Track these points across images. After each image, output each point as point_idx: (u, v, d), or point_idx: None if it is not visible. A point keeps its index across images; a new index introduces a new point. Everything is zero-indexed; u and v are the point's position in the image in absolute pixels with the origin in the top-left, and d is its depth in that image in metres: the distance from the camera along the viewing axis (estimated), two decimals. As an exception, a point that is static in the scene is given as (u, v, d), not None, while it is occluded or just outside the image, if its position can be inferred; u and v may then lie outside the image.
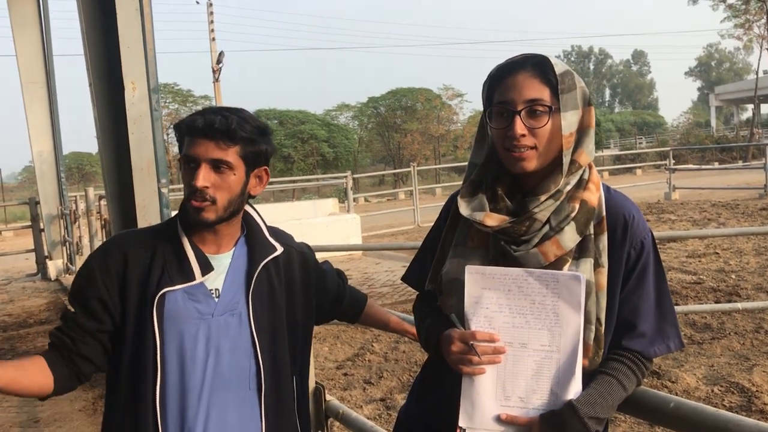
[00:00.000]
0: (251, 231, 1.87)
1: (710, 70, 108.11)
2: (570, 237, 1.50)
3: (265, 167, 1.83)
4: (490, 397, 1.49)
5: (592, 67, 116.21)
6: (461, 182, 1.67)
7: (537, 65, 1.53)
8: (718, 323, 6.48)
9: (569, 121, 1.51)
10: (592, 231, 1.53)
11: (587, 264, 1.51)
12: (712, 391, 4.80)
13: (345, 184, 16.32)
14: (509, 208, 1.56)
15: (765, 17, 28.91)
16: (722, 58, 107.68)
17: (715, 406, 4.67)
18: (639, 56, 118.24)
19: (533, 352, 1.48)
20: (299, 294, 1.93)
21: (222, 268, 1.79)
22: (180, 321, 1.71)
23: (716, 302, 7.24)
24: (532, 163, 1.52)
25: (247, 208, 1.88)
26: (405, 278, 1.88)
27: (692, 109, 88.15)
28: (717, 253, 9.92)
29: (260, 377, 1.78)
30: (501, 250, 1.54)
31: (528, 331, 1.49)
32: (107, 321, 1.71)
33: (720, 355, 5.63)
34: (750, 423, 1.31)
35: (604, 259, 1.52)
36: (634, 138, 56.87)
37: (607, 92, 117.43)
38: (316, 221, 12.99)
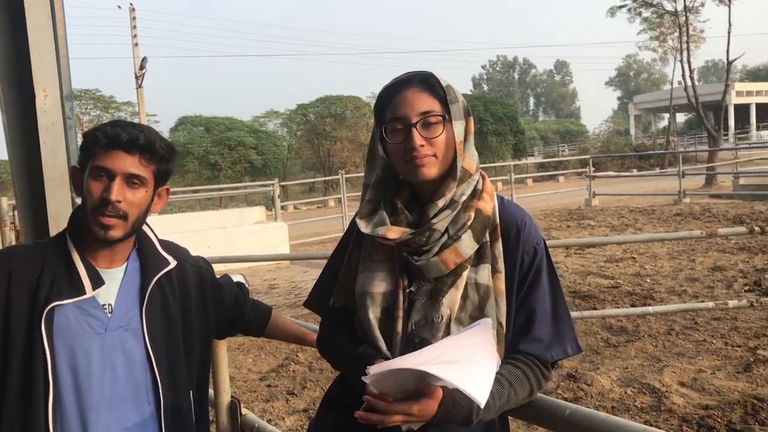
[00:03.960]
0: (143, 245, 1.86)
1: (629, 81, 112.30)
2: (468, 244, 1.56)
3: (167, 187, 1.86)
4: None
5: (516, 76, 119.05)
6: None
7: (424, 81, 1.60)
8: (633, 326, 6.73)
9: (458, 129, 1.59)
10: (488, 238, 1.59)
11: (485, 270, 1.57)
12: (626, 392, 4.98)
13: (272, 191, 16.19)
14: (409, 219, 1.60)
15: (678, 30, 30.16)
16: (640, 69, 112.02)
17: (627, 408, 4.86)
18: (561, 66, 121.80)
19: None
20: (195, 307, 1.92)
21: (114, 282, 1.77)
22: (71, 336, 1.68)
23: (632, 305, 7.51)
24: (433, 169, 1.57)
25: None
26: (308, 303, 1.84)
27: (612, 118, 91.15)
28: (634, 258, 10.30)
29: (158, 392, 1.77)
30: (405, 261, 1.58)
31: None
32: None
33: (634, 357, 5.84)
34: (639, 428, 1.37)
35: (501, 265, 1.58)
36: (557, 146, 58.46)
37: (532, 101, 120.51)
38: (243, 230, 12.87)
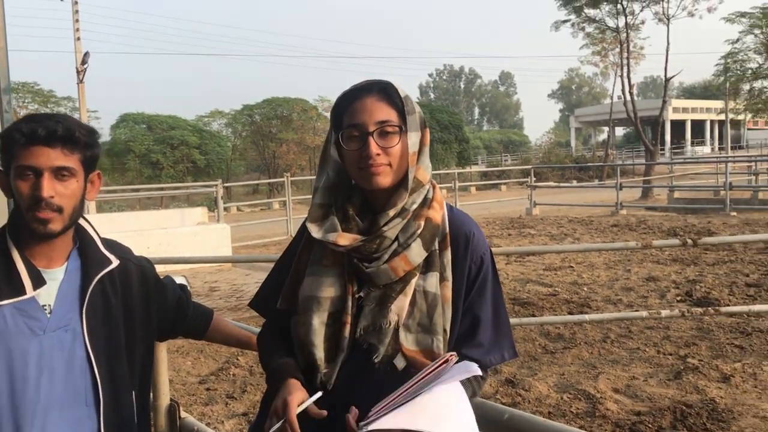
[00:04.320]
0: (84, 243, 1.81)
1: (571, 94, 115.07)
2: (417, 252, 1.58)
3: (98, 171, 1.81)
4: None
5: (462, 86, 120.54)
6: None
7: (383, 90, 1.61)
8: (570, 333, 6.88)
9: (413, 140, 1.61)
10: (437, 247, 1.62)
11: (434, 278, 1.59)
12: (562, 398, 5.09)
13: (215, 192, 15.96)
14: (360, 226, 1.61)
15: (619, 47, 30.99)
16: (582, 83, 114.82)
17: (563, 413, 4.96)
18: (506, 77, 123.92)
19: None
20: (138, 308, 1.88)
21: (55, 282, 1.72)
22: (8, 338, 1.63)
23: (569, 313, 7.67)
24: (387, 178, 1.58)
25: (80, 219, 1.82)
26: (253, 304, 1.84)
27: (554, 130, 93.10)
28: (572, 267, 10.53)
29: (98, 393, 1.73)
30: (355, 267, 1.60)
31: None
32: None
33: (570, 364, 5.97)
34: None
35: (449, 273, 1.61)
36: (500, 155, 59.38)
37: (477, 111, 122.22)
38: (184, 230, 12.66)
